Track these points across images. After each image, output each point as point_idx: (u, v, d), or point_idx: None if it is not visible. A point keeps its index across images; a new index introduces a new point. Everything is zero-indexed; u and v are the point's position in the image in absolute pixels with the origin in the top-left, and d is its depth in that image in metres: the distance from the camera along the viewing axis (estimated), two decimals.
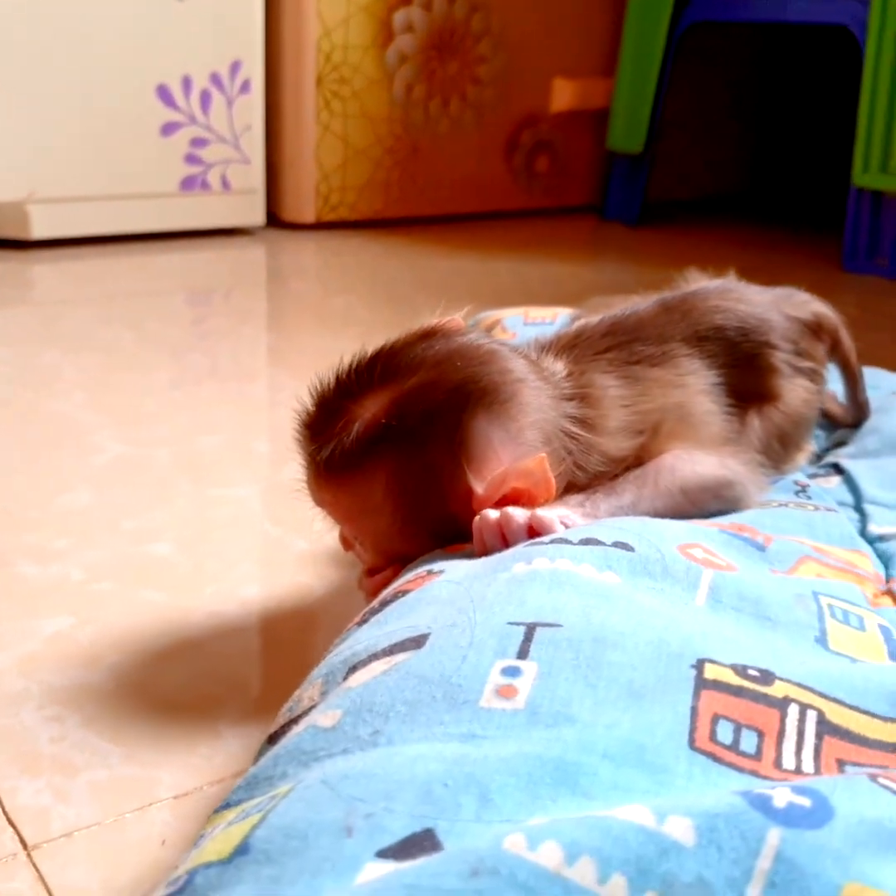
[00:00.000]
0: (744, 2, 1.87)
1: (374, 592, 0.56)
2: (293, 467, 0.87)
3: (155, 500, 0.80)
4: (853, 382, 0.78)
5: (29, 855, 0.46)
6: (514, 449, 0.54)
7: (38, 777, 0.50)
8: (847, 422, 0.80)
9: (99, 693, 0.57)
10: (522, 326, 0.91)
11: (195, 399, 1.04)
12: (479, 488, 0.53)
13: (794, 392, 0.68)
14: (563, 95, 2.05)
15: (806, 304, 0.73)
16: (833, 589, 0.50)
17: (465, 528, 0.54)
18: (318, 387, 0.56)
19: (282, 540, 0.75)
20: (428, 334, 0.57)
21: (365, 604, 0.61)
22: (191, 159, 1.67)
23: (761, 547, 0.55)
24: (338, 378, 0.56)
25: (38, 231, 1.58)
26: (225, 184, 1.71)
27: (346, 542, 0.60)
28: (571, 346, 0.63)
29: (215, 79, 1.66)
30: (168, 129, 1.64)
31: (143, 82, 1.61)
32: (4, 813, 0.48)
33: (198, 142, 1.67)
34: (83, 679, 0.58)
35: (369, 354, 0.57)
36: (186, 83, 1.64)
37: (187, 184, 1.68)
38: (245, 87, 1.69)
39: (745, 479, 0.61)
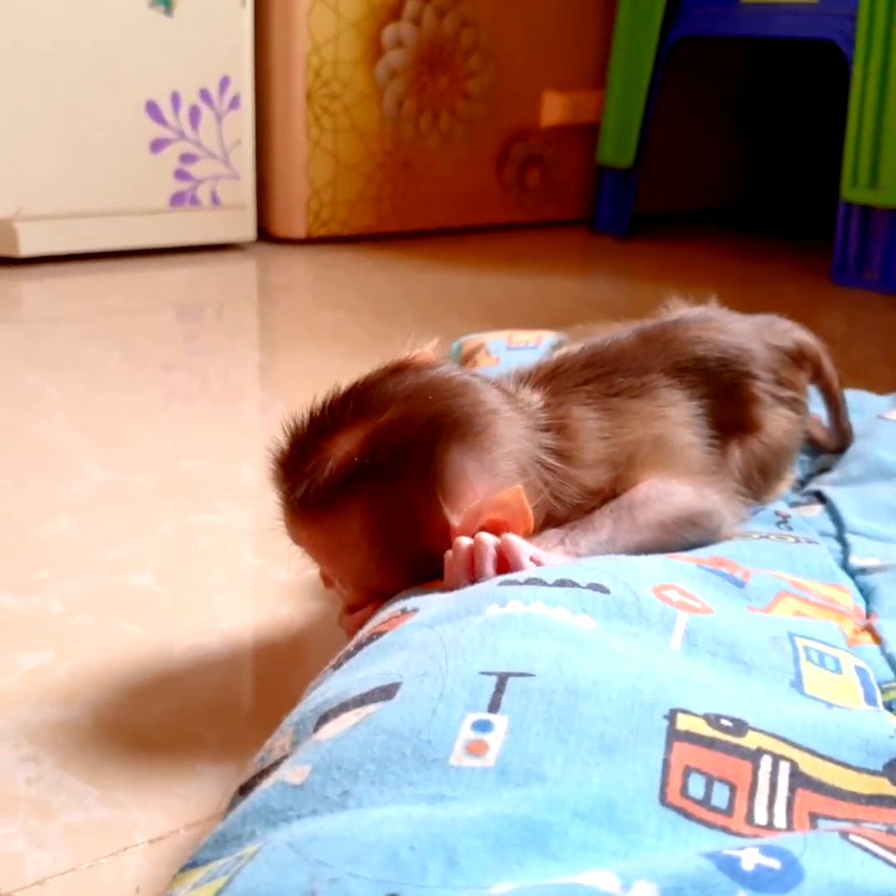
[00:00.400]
0: (732, 17, 1.87)
1: (355, 630, 0.56)
2: (275, 496, 0.87)
3: (136, 529, 0.80)
4: (836, 409, 0.78)
5: None
6: (489, 480, 0.54)
7: (13, 821, 0.50)
8: (831, 447, 0.80)
9: (76, 731, 0.56)
10: (506, 351, 0.91)
11: (181, 420, 1.04)
12: (455, 521, 0.53)
13: (776, 422, 0.68)
14: (554, 109, 2.06)
15: (787, 332, 0.73)
16: (810, 629, 0.50)
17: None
18: (292, 424, 0.56)
19: (264, 570, 0.75)
20: (399, 368, 0.57)
21: (346, 640, 0.61)
22: (180, 175, 1.67)
23: (740, 583, 0.55)
24: (311, 415, 0.56)
25: (27, 248, 1.57)
26: (215, 199, 1.71)
27: (326, 580, 0.60)
28: (550, 377, 0.63)
29: (204, 95, 1.66)
30: (157, 145, 1.64)
31: (133, 98, 1.61)
32: None
33: (187, 158, 1.67)
34: (61, 716, 0.57)
35: (342, 391, 0.56)
36: (175, 99, 1.64)
37: (177, 199, 1.68)
38: (234, 102, 1.69)
39: (722, 508, 0.61)
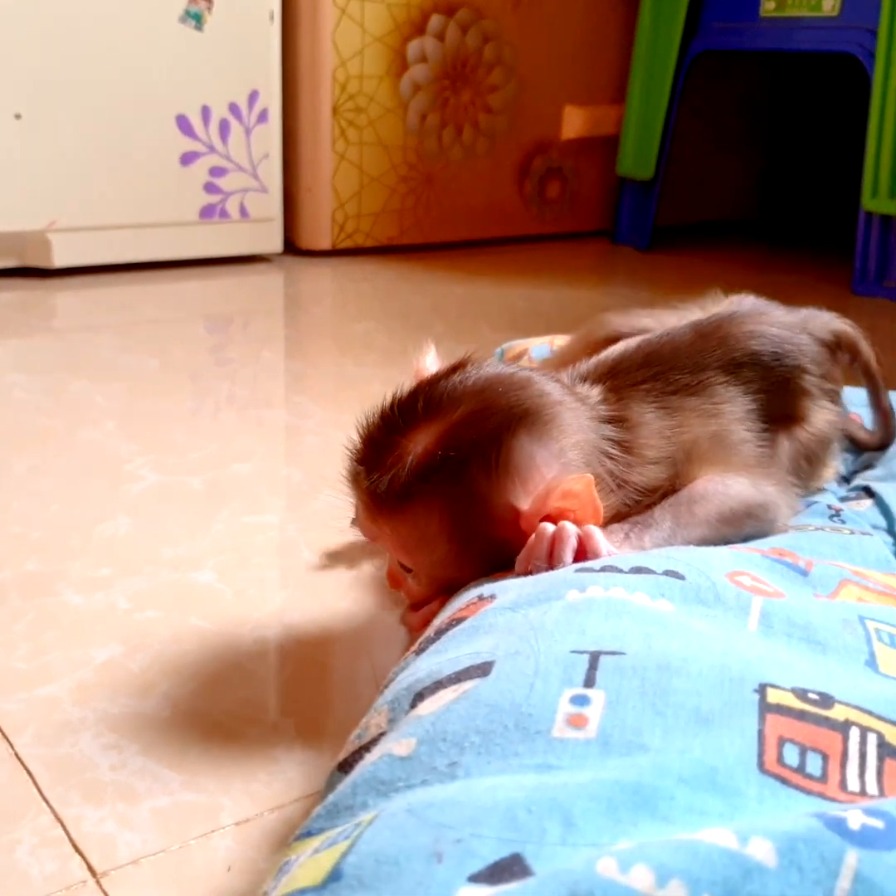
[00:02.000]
0: (752, 32, 1.90)
1: (420, 626, 0.58)
2: (327, 495, 0.89)
3: (193, 528, 0.81)
4: (875, 388, 0.79)
5: (98, 881, 0.47)
6: (557, 467, 0.55)
7: (101, 805, 0.51)
8: (873, 445, 0.81)
9: (154, 720, 0.58)
10: (549, 355, 0.92)
11: (224, 426, 1.05)
12: (523, 505, 0.54)
13: (821, 413, 0.70)
14: (574, 123, 2.08)
15: (827, 324, 0.74)
16: (877, 613, 0.51)
17: (516, 552, 0.55)
18: (365, 424, 0.58)
19: (321, 566, 0.76)
20: (459, 367, 0.59)
21: (408, 634, 0.63)
22: (210, 188, 1.70)
23: (804, 571, 0.56)
24: (383, 414, 0.58)
25: (60, 259, 1.60)
26: (243, 212, 1.73)
27: (393, 580, 0.61)
28: (608, 374, 0.65)
29: (234, 109, 1.69)
30: (187, 158, 1.67)
31: (163, 113, 1.63)
32: (71, 840, 0.49)
33: (217, 171, 1.70)
34: (137, 707, 0.59)
35: (409, 390, 0.58)
36: (205, 113, 1.67)
37: (206, 212, 1.70)
38: (263, 116, 1.72)
39: (778, 500, 0.62)
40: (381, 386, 1.22)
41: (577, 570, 0.50)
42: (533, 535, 0.53)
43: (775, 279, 1.91)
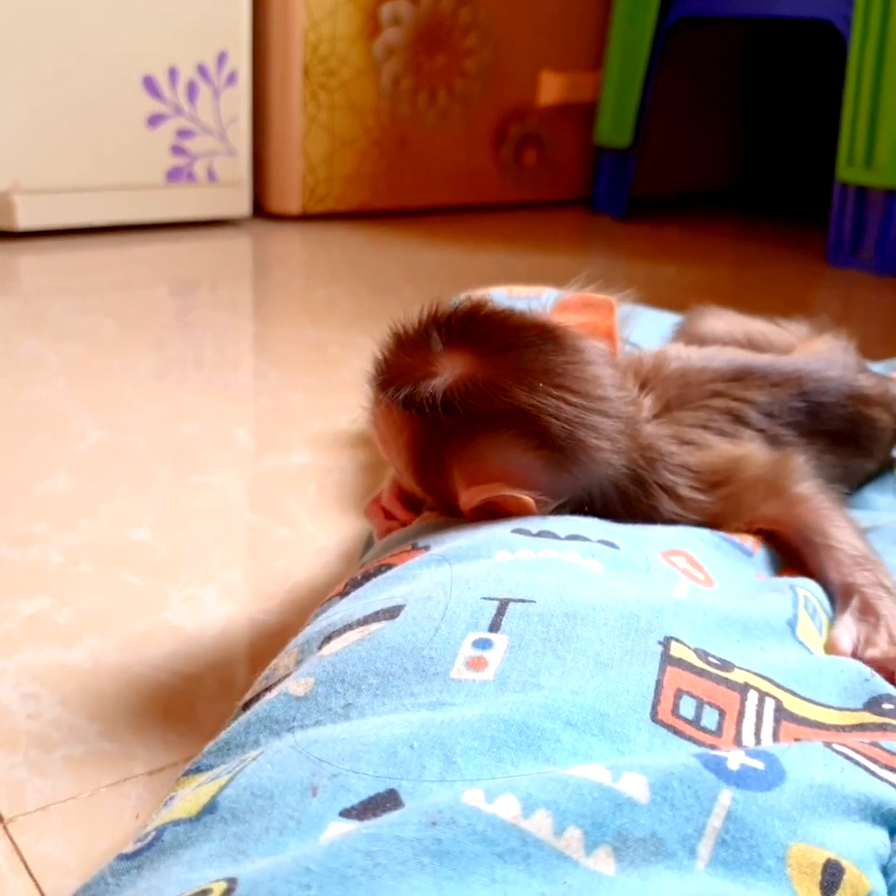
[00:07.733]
0: None
1: (382, 529, 0.59)
2: (274, 456, 0.88)
3: (134, 487, 0.80)
4: None
5: (5, 827, 0.46)
6: (519, 484, 0.51)
7: (14, 752, 0.51)
8: None
9: (77, 672, 0.57)
10: (507, 301, 0.91)
11: (177, 388, 1.04)
12: (462, 493, 0.53)
13: None
14: (551, 89, 2.06)
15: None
16: (809, 585, 0.51)
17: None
18: (426, 314, 0.54)
19: (261, 527, 0.76)
20: (547, 332, 0.54)
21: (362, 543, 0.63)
22: (177, 150, 1.67)
23: (748, 552, 0.55)
24: (447, 317, 0.54)
25: (24, 222, 1.58)
26: (211, 175, 1.71)
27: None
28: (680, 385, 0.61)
29: (202, 70, 1.66)
30: (154, 120, 1.64)
31: (130, 73, 1.61)
32: None
33: (184, 133, 1.67)
34: (61, 658, 0.58)
35: (485, 311, 0.54)
36: (173, 74, 1.64)
37: (173, 175, 1.68)
38: (231, 78, 1.69)
39: None
40: (339, 349, 1.22)
41: (513, 531, 0.49)
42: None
43: (752, 250, 1.90)
